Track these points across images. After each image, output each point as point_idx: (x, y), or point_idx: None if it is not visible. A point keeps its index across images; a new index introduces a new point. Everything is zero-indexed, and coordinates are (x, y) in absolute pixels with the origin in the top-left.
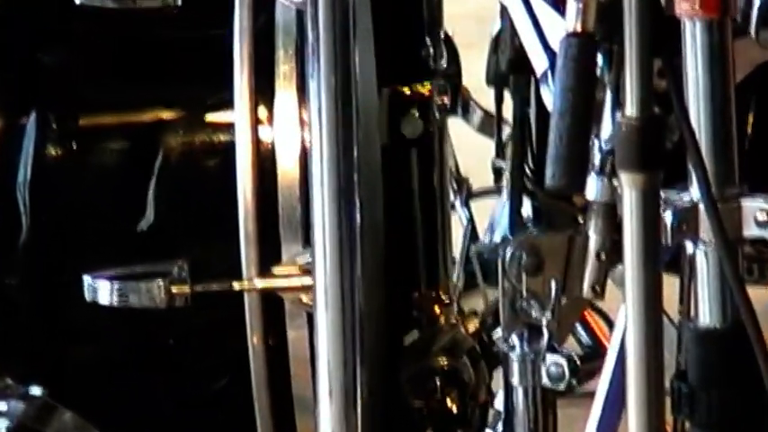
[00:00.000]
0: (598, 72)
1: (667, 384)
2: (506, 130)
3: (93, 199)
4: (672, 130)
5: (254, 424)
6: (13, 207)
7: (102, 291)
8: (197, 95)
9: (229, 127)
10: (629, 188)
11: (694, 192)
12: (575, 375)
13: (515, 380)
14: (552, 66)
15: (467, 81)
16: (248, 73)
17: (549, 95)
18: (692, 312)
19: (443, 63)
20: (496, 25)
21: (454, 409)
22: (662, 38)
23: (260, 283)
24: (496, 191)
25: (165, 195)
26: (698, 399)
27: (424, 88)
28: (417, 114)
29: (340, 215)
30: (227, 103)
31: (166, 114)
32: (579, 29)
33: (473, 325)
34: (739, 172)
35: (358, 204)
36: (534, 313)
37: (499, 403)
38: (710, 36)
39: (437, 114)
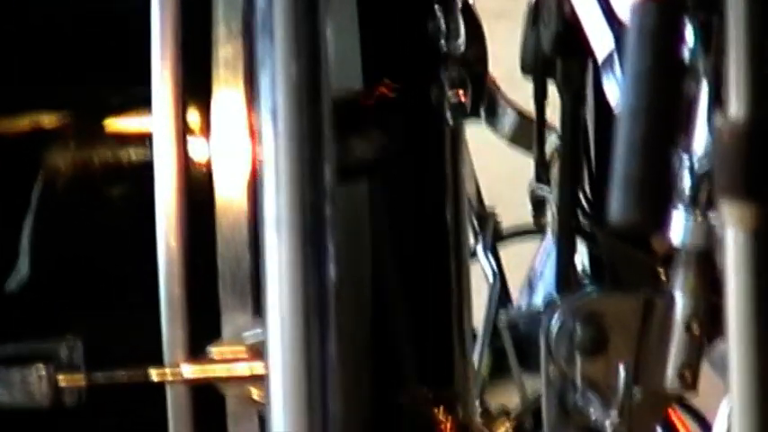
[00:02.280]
0: (687, 55)
1: None
2: (552, 141)
3: None
4: None
5: None
6: None
7: None
8: (96, 93)
9: (144, 139)
10: (734, 226)
11: None
12: None
13: None
14: (620, 44)
15: (494, 69)
16: (172, 60)
17: (616, 89)
18: None
19: (460, 43)
20: None
21: None
22: None
23: (189, 371)
24: (537, 231)
25: (48, 240)
26: None
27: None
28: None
29: (306, 269)
30: (142, 104)
31: (50, 121)
32: None
33: (504, 430)
34: None
35: (332, 253)
36: (593, 413)
37: None
38: None
39: (450, 119)
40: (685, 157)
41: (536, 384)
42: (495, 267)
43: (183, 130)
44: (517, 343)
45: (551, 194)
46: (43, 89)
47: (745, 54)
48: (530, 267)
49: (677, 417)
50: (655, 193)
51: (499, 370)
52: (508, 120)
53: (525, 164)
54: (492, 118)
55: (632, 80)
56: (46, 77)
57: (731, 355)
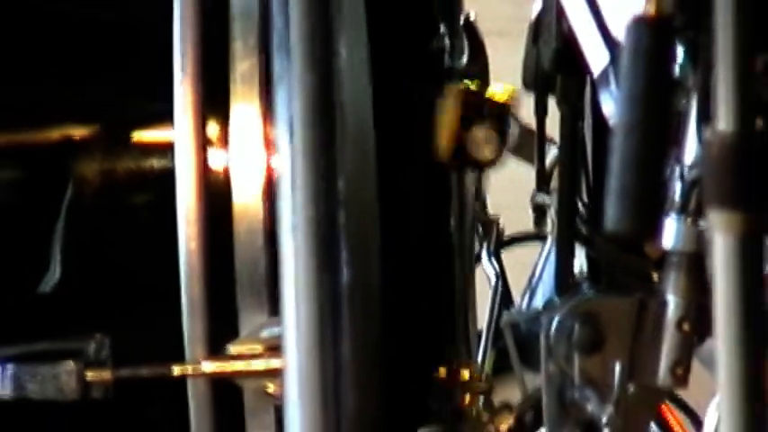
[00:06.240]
0: (678, 72)
1: None
2: (552, 152)
3: None
4: None
5: None
6: None
7: None
8: (121, 105)
9: (166, 149)
10: (722, 233)
11: None
12: None
13: None
14: (615, 62)
15: (497, 85)
16: (193, 73)
17: (612, 104)
18: None
19: (464, 59)
20: (537, 6)
21: None
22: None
23: (209, 367)
24: (537, 236)
25: (77, 245)
26: None
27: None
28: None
29: (320, 271)
30: (164, 116)
31: (78, 132)
32: (652, 11)
33: (506, 424)
34: None
35: (346, 257)
36: (591, 407)
37: None
38: None
39: None
40: (676, 167)
41: (536, 381)
42: (498, 271)
43: (203, 141)
44: (519, 342)
45: (551, 202)
46: (71, 100)
47: (732, 71)
48: (531, 271)
49: (669, 411)
50: (648, 204)
51: (502, 368)
52: (511, 133)
53: (527, 174)
54: None
55: (627, 97)
56: (74, 87)
57: (719, 353)
